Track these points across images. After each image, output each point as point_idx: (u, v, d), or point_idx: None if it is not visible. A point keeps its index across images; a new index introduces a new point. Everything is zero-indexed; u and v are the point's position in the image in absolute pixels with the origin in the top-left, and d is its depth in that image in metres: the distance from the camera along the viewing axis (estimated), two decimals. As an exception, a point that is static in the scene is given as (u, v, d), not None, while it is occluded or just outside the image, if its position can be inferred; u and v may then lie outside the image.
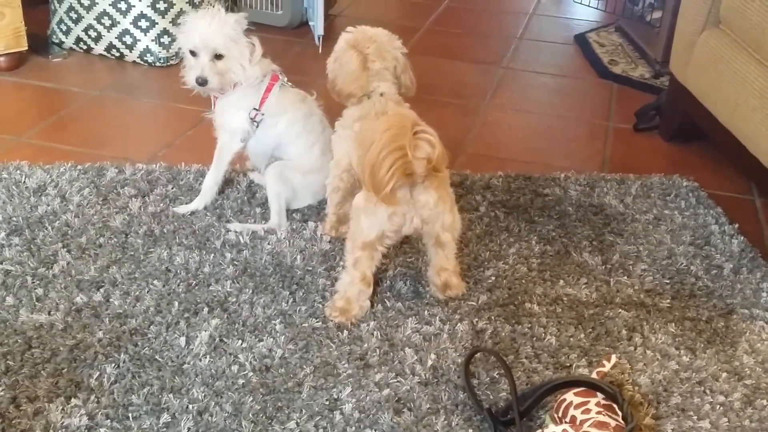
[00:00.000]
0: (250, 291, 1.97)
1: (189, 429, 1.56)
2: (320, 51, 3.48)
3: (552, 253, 2.20)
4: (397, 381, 1.73)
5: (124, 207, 2.28)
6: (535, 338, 1.87)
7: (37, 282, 1.96)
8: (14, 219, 2.19)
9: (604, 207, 2.44)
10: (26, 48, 3.20)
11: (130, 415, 1.59)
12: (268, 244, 2.16)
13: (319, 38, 3.51)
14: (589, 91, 3.39)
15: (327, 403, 1.65)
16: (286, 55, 3.49)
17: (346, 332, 1.85)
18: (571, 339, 1.87)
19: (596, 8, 4.21)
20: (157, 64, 3.33)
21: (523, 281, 2.07)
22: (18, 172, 2.41)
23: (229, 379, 1.69)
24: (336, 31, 3.76)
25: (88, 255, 2.08)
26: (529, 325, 1.91)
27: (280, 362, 1.75)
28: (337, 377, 1.72)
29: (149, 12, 3.25)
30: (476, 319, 1.92)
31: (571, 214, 2.39)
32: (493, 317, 1.93)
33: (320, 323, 1.88)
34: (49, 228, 2.16)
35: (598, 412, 1.46)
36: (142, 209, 2.27)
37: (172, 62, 3.33)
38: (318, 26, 3.49)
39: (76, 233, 2.15)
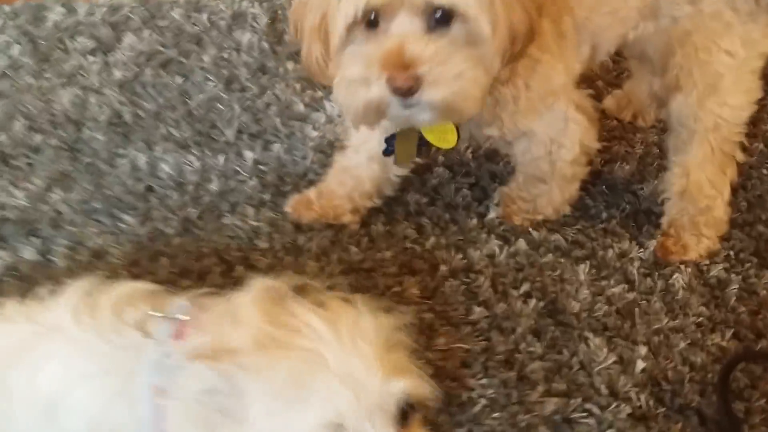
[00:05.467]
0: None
1: None
2: None
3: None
4: (588, 414, 0.91)
5: (73, 74, 1.38)
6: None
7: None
8: None
9: None
10: None
11: None
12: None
13: None
14: None
15: None
16: None
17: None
18: None
19: None
20: None
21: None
22: None
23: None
24: None
25: (14, 167, 1.23)
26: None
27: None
28: (470, 411, 0.92)
29: None
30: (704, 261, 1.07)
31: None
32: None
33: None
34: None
35: None
36: (104, 77, 1.37)
37: None
38: None
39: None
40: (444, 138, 0.94)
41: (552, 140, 1.02)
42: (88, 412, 0.71)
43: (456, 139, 0.95)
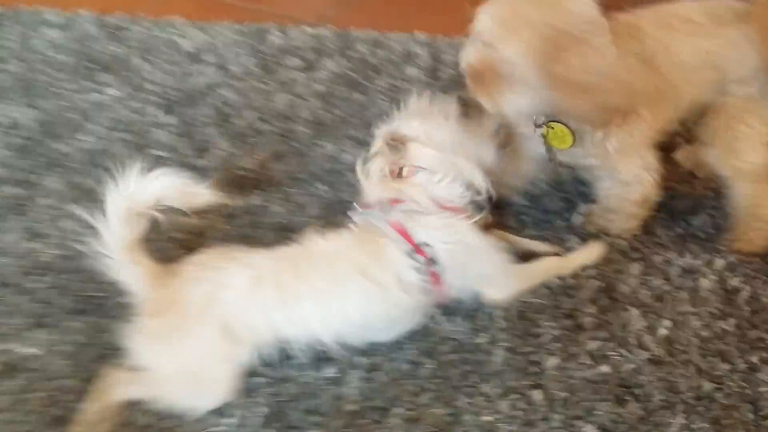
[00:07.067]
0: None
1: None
2: None
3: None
4: (618, 355, 1.33)
5: (286, 83, 1.92)
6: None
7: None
8: (168, 90, 1.90)
9: None
10: None
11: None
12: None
13: None
14: None
15: (525, 373, 1.30)
16: None
17: (551, 277, 1.46)
18: None
19: None
20: None
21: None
22: (172, 30, 2.10)
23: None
24: None
25: (245, 142, 1.77)
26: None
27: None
28: (538, 338, 1.36)
29: None
30: (728, 274, 1.46)
31: None
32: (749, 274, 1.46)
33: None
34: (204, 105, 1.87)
35: None
36: (308, 88, 1.91)
37: None
38: None
39: (235, 112, 1.85)
40: (563, 140, 1.33)
41: (627, 182, 1.39)
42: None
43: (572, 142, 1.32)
